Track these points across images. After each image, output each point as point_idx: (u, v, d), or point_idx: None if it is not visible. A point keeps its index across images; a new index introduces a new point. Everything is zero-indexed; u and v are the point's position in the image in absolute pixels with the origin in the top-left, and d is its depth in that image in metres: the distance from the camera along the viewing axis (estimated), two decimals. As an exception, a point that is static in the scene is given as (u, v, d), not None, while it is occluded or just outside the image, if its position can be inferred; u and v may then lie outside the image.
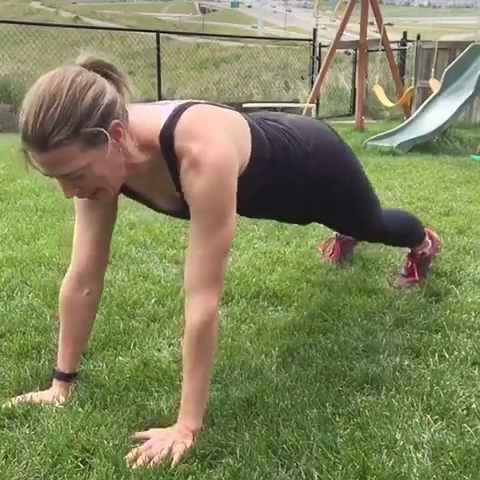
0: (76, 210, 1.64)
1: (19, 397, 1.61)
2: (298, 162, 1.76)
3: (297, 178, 1.80)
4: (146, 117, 1.46)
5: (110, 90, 1.34)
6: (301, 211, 1.99)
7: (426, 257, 2.50)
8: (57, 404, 1.59)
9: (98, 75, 1.34)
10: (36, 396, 1.61)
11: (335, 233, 2.70)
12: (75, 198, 1.56)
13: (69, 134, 1.27)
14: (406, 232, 2.42)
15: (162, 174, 1.48)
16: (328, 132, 1.96)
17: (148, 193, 1.61)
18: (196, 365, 1.48)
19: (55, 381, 1.67)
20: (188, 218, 1.55)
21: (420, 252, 2.47)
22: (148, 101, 1.77)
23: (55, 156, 1.29)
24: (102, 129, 1.31)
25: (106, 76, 1.36)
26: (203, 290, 1.46)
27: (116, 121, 1.34)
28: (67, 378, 1.67)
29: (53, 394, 1.63)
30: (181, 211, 1.55)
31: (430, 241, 2.52)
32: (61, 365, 1.68)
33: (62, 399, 1.61)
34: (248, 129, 1.60)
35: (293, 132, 1.77)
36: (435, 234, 2.64)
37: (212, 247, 1.45)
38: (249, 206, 1.66)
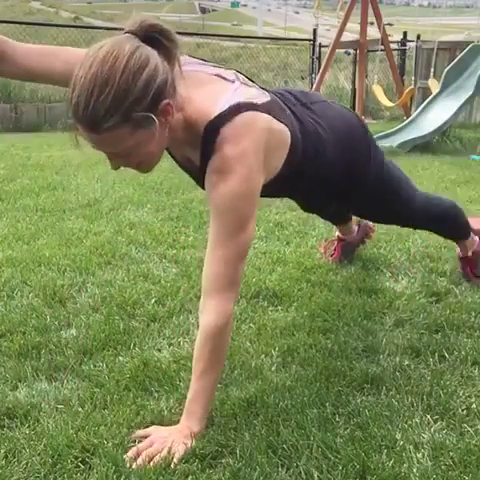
0: None
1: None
2: (327, 158, 1.78)
3: (328, 173, 1.82)
4: (201, 96, 1.45)
5: (162, 68, 1.33)
6: (336, 199, 2.07)
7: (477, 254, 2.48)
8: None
9: (151, 51, 1.32)
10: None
11: (337, 234, 2.71)
12: None
13: (120, 119, 1.29)
14: (448, 219, 2.35)
15: (193, 147, 1.50)
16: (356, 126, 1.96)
17: (172, 146, 1.61)
18: (207, 367, 1.48)
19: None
20: (194, 179, 1.66)
21: (470, 253, 2.46)
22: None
23: (105, 138, 1.32)
24: (152, 115, 1.32)
25: (158, 44, 1.34)
26: (219, 293, 1.47)
27: (166, 101, 1.35)
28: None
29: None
30: (191, 171, 1.63)
31: (478, 240, 2.50)
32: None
33: None
34: (288, 142, 1.60)
35: (328, 135, 1.77)
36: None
37: (231, 251, 1.47)
38: (281, 186, 1.72)
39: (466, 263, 2.49)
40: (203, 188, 1.55)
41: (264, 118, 1.49)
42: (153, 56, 1.32)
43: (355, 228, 2.69)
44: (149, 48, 1.33)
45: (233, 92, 1.49)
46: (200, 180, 1.53)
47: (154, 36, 1.34)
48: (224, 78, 1.54)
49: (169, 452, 1.37)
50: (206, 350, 1.48)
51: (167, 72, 1.34)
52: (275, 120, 1.54)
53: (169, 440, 1.40)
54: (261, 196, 1.54)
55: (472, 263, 2.48)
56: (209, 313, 1.48)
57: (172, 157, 1.68)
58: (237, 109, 1.44)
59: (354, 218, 2.63)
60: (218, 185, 1.44)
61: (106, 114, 1.27)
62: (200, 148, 1.47)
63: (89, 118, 1.28)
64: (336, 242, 2.71)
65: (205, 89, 1.48)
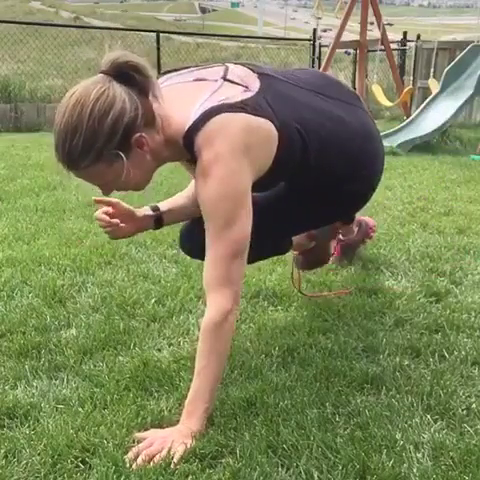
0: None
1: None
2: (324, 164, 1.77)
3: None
4: (175, 109, 1.51)
5: (130, 106, 1.40)
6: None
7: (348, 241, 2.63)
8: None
9: (118, 92, 1.39)
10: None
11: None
12: None
13: (93, 159, 1.41)
14: None
15: (184, 156, 1.58)
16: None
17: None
18: (206, 365, 1.48)
19: (146, 209, 1.91)
20: None
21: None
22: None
23: (85, 175, 1.47)
24: (121, 152, 1.42)
25: (131, 80, 1.41)
26: (215, 290, 1.50)
27: (137, 135, 1.44)
28: (154, 210, 1.91)
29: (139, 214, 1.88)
30: None
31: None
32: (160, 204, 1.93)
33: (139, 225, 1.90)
34: (273, 135, 1.58)
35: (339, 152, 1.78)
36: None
37: (221, 249, 1.50)
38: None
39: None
40: None
41: (238, 118, 1.50)
42: (120, 97, 1.40)
43: (355, 229, 2.69)
44: (118, 88, 1.40)
45: (210, 95, 1.52)
46: None
47: (127, 73, 1.42)
48: (204, 79, 1.58)
49: (169, 452, 1.37)
50: (204, 347, 1.49)
51: (137, 108, 1.42)
52: (253, 117, 1.52)
53: (169, 440, 1.40)
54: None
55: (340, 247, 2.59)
56: (207, 311, 1.51)
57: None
58: (208, 115, 1.48)
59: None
60: (201, 190, 1.51)
61: (80, 156, 1.41)
62: (188, 154, 1.54)
63: (67, 159, 1.43)
64: (336, 243, 2.71)
65: (180, 102, 1.53)
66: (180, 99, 1.54)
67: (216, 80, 1.56)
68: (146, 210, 1.92)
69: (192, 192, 1.81)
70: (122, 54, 1.43)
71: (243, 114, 1.51)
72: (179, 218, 2.00)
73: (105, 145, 1.40)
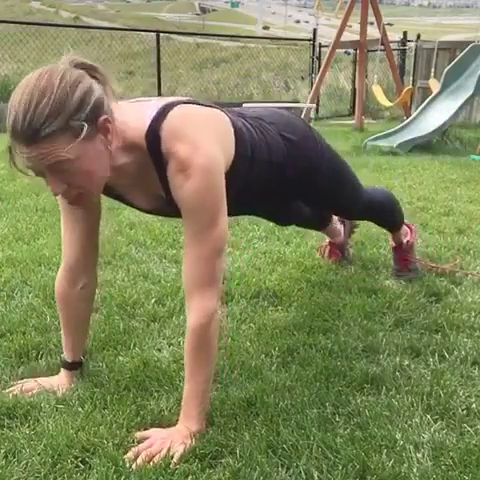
0: (61, 208, 1.64)
1: (24, 383, 1.67)
2: (278, 157, 1.80)
3: (280, 171, 1.84)
4: (130, 116, 1.45)
5: (97, 88, 1.35)
6: (288, 199, 2.12)
7: (411, 244, 2.59)
8: (62, 390, 1.65)
9: (85, 73, 1.35)
10: (43, 381, 1.69)
11: (328, 240, 2.72)
12: (58, 199, 1.57)
13: (60, 126, 1.27)
14: (388, 205, 2.47)
15: (148, 174, 1.48)
16: (299, 121, 2.03)
17: (127, 192, 1.61)
18: (196, 367, 1.48)
19: (62, 369, 1.74)
20: (166, 215, 1.67)
21: (405, 241, 2.56)
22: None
23: (44, 148, 1.28)
24: (88, 124, 1.31)
25: (91, 76, 1.37)
26: (199, 291, 1.46)
27: (105, 116, 1.35)
28: (71, 366, 1.73)
29: (59, 380, 1.70)
30: (160, 209, 1.60)
31: (408, 229, 2.61)
32: (65, 354, 1.75)
33: (66, 385, 1.68)
34: (231, 128, 1.62)
35: (270, 128, 1.81)
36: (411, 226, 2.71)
37: (205, 248, 1.46)
38: (236, 202, 1.63)
39: (401, 252, 2.56)
40: (173, 213, 1.55)
41: (194, 108, 1.52)
42: (86, 77, 1.35)
43: (340, 228, 2.70)
44: (81, 71, 1.35)
45: (157, 101, 1.51)
46: (171, 203, 1.51)
47: (86, 70, 1.37)
48: (143, 101, 1.57)
49: (169, 452, 1.38)
50: (192, 350, 1.47)
51: (103, 93, 1.36)
52: (206, 107, 1.56)
53: (168, 440, 1.40)
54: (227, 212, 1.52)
55: (406, 252, 2.55)
56: (192, 313, 1.47)
57: (137, 209, 1.70)
58: (165, 109, 1.45)
59: (334, 218, 2.64)
60: (183, 185, 1.42)
61: (46, 120, 1.26)
62: (152, 163, 1.45)
63: (28, 128, 1.27)
64: (329, 247, 2.71)
65: (130, 111, 1.49)
66: (132, 109, 1.50)
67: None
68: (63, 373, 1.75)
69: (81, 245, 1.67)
70: (78, 56, 1.39)
71: (196, 105, 1.54)
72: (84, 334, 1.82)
73: (73, 113, 1.28)
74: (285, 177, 1.87)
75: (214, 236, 1.46)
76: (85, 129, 1.30)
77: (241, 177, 1.65)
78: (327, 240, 2.73)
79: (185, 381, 1.49)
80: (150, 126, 1.42)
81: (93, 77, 1.37)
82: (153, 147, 1.42)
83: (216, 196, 1.46)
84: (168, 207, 1.53)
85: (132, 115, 1.46)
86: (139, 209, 1.70)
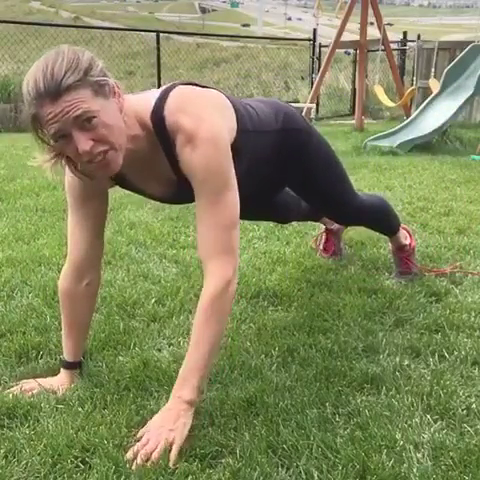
0: (69, 206, 1.67)
1: (24, 383, 1.67)
2: (271, 135, 1.86)
3: (274, 150, 1.89)
4: (137, 100, 1.53)
5: (100, 61, 1.42)
6: (281, 184, 2.14)
7: (413, 247, 2.58)
8: (62, 390, 1.64)
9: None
10: (43, 381, 1.68)
11: (324, 227, 2.75)
12: (68, 195, 1.64)
13: (79, 78, 1.34)
14: (383, 210, 2.46)
15: (157, 156, 1.53)
16: (288, 107, 2.07)
17: (140, 180, 1.65)
18: (207, 333, 1.45)
19: (61, 369, 1.74)
20: (178, 202, 1.71)
21: (407, 243, 2.55)
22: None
23: (69, 100, 1.33)
24: (107, 78, 1.39)
25: None
26: (218, 258, 1.47)
27: (113, 81, 1.42)
28: (71, 366, 1.73)
29: (59, 380, 1.69)
30: (173, 195, 1.65)
31: (407, 233, 2.60)
32: (65, 354, 1.74)
33: (66, 385, 1.68)
34: (230, 104, 1.66)
35: (260, 108, 1.87)
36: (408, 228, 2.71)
37: (222, 215, 1.49)
38: (240, 188, 1.66)
39: (403, 255, 2.54)
40: (185, 198, 1.61)
41: (193, 88, 1.58)
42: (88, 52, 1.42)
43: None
44: None
45: (157, 90, 1.57)
46: (183, 184, 1.54)
47: None
48: (146, 92, 1.63)
49: (166, 445, 1.35)
50: (205, 316, 1.45)
51: (104, 67, 1.42)
52: (205, 88, 1.62)
53: (164, 431, 1.38)
54: None
55: (409, 255, 2.54)
56: (210, 276, 1.47)
57: (149, 198, 1.75)
58: (167, 90, 1.53)
59: None
60: (192, 156, 1.46)
61: (65, 74, 1.33)
62: (160, 144, 1.51)
63: (51, 83, 1.32)
64: (325, 235, 2.74)
65: (135, 97, 1.55)
66: (136, 96, 1.57)
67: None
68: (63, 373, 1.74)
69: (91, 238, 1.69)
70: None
71: (194, 86, 1.60)
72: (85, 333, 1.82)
73: (88, 70, 1.36)
74: (280, 155, 1.91)
75: (229, 201, 1.49)
76: (101, 85, 1.38)
77: (244, 155, 1.68)
78: (322, 228, 2.75)
79: (191, 347, 1.46)
80: (155, 105, 1.49)
81: None
82: (159, 126, 1.48)
83: (225, 161, 1.50)
84: (180, 191, 1.57)
85: (138, 99, 1.54)
86: (153, 198, 1.74)
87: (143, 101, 1.52)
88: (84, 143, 1.37)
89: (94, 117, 1.36)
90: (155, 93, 1.54)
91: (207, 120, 1.48)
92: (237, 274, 1.52)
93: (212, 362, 1.50)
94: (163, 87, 1.58)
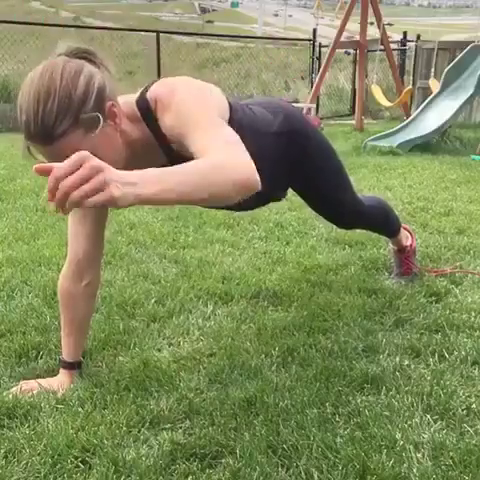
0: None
1: (23, 383, 1.67)
2: (272, 135, 1.83)
3: (271, 153, 1.84)
4: (127, 96, 1.52)
5: (97, 74, 1.37)
6: (281, 181, 2.05)
7: (413, 248, 2.57)
8: (62, 390, 1.64)
9: (84, 61, 1.37)
10: (43, 381, 1.68)
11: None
12: None
13: (71, 122, 1.30)
14: (382, 211, 2.41)
15: (153, 149, 1.51)
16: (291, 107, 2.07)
17: None
18: (202, 170, 1.20)
19: (61, 370, 1.73)
20: None
21: (407, 244, 2.53)
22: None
23: (61, 146, 1.31)
24: (98, 114, 1.34)
25: (89, 61, 1.39)
26: (226, 147, 1.28)
27: (110, 102, 1.38)
28: (71, 366, 1.73)
29: (58, 381, 1.69)
30: None
31: (408, 234, 2.58)
32: (65, 354, 1.74)
33: (66, 386, 1.67)
34: (221, 93, 1.61)
35: (258, 110, 1.84)
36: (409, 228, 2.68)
37: (222, 136, 1.32)
38: None
39: (404, 256, 2.52)
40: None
41: (180, 77, 1.54)
42: (85, 64, 1.37)
43: None
44: (80, 60, 1.38)
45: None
46: (169, 152, 1.49)
47: (83, 56, 1.40)
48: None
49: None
50: (208, 162, 1.22)
51: (102, 78, 1.38)
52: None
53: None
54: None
55: (409, 256, 2.53)
56: (216, 153, 1.26)
57: None
58: (153, 81, 1.52)
59: None
60: (172, 115, 1.40)
61: (56, 120, 1.29)
62: (151, 133, 1.48)
63: (41, 129, 1.30)
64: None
65: (126, 95, 1.53)
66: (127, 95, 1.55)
67: None
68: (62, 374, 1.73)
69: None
70: (73, 42, 1.42)
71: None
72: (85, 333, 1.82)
73: (81, 106, 1.31)
74: (280, 159, 1.89)
75: (227, 133, 1.34)
76: (94, 120, 1.33)
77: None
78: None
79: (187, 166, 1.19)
80: (140, 94, 1.49)
81: (90, 61, 1.39)
82: (144, 108, 1.47)
83: (213, 105, 1.44)
84: (168, 153, 1.52)
85: (128, 95, 1.52)
86: None
87: (131, 95, 1.52)
88: None
89: None
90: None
91: (184, 84, 1.46)
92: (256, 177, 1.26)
93: (185, 196, 1.16)
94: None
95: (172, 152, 1.50)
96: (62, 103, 1.29)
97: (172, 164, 1.40)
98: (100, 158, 1.29)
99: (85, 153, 1.07)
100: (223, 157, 1.24)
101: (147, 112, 1.48)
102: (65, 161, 1.06)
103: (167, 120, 1.44)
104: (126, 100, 1.51)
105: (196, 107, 1.40)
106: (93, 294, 1.78)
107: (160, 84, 1.50)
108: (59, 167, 1.05)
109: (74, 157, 1.06)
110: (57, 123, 1.29)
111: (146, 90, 1.50)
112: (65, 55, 1.38)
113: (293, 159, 1.94)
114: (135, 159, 1.53)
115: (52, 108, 1.29)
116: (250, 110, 1.80)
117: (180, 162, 1.21)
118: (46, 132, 1.30)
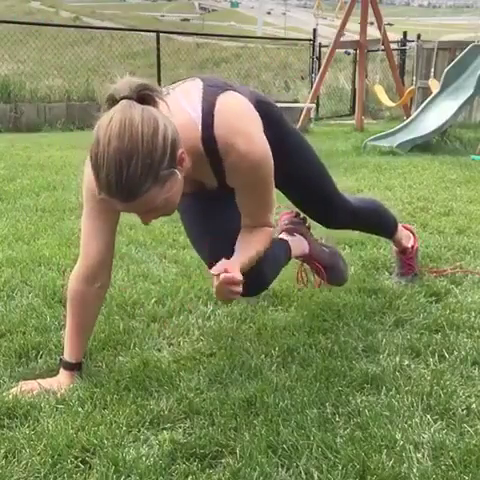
0: (88, 210, 1.70)
1: (23, 383, 1.67)
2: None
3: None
4: (180, 120, 1.49)
5: (168, 123, 1.40)
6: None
7: (416, 249, 2.53)
8: (62, 391, 1.63)
9: (153, 110, 1.38)
10: (43, 381, 1.67)
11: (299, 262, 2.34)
12: (88, 200, 1.68)
13: (152, 181, 1.37)
14: (375, 211, 2.35)
15: (202, 169, 1.60)
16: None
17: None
18: (254, 244, 1.72)
19: (62, 370, 1.72)
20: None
21: (409, 245, 2.49)
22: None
23: (141, 201, 1.40)
24: (175, 169, 1.43)
25: (149, 99, 1.40)
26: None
27: (180, 150, 1.44)
28: (72, 367, 1.72)
29: (58, 381, 1.68)
30: (202, 191, 1.74)
31: (410, 234, 2.54)
32: (68, 355, 1.73)
33: (66, 386, 1.67)
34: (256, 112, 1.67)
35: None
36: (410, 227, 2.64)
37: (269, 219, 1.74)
38: None
39: (406, 257, 2.49)
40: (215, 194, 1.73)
41: (232, 96, 1.60)
42: (157, 114, 1.38)
43: (299, 237, 2.28)
44: (150, 107, 1.39)
45: (195, 97, 1.58)
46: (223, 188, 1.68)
47: (145, 94, 1.40)
48: (177, 93, 1.63)
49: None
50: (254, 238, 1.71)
51: (171, 123, 1.41)
52: (237, 93, 1.64)
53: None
54: None
55: (412, 257, 2.50)
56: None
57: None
58: (209, 104, 1.55)
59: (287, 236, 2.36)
60: (247, 174, 1.59)
61: (140, 181, 1.35)
62: (208, 160, 1.58)
63: (126, 189, 1.36)
64: (309, 262, 2.32)
65: (175, 111, 1.50)
66: (176, 109, 1.52)
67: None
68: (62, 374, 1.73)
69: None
70: (133, 78, 1.42)
71: (231, 91, 1.61)
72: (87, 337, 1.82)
73: (160, 164, 1.37)
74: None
75: (271, 216, 1.74)
76: (172, 173, 1.42)
77: None
78: (299, 262, 2.35)
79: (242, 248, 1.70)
80: (203, 127, 1.54)
81: (149, 99, 1.40)
82: (210, 148, 1.55)
83: (270, 184, 1.66)
84: (216, 190, 1.70)
85: (181, 118, 1.52)
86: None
87: (187, 120, 1.53)
88: (146, 219, 1.53)
89: (161, 205, 1.45)
90: (194, 102, 1.56)
91: (258, 141, 1.58)
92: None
93: (253, 261, 1.70)
94: (196, 94, 1.58)
95: (223, 174, 1.62)
96: (144, 165, 1.34)
97: (218, 179, 1.65)
98: (170, 203, 1.49)
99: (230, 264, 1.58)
100: (265, 246, 1.74)
101: (214, 152, 1.56)
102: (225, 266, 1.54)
103: (242, 171, 1.58)
104: (183, 124, 1.49)
105: (262, 189, 1.66)
106: (103, 296, 1.79)
107: (234, 131, 1.54)
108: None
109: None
110: (141, 183, 1.36)
111: (210, 122, 1.53)
112: (131, 96, 1.37)
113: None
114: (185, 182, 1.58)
115: (135, 171, 1.33)
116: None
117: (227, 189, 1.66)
118: (131, 191, 1.36)
